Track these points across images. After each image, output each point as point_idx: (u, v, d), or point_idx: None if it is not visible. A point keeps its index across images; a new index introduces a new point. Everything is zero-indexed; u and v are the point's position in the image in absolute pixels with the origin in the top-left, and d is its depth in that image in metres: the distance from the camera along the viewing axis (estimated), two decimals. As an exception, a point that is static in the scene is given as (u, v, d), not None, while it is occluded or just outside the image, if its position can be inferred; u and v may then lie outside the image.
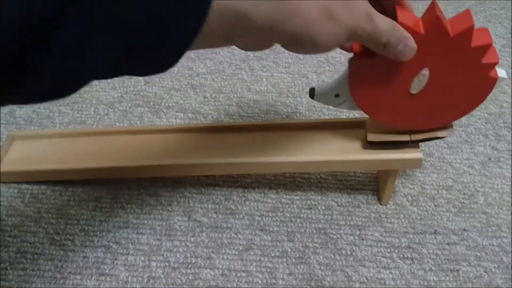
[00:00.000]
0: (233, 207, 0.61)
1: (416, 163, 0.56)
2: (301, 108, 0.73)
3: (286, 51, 0.82)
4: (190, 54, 0.82)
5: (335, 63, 0.80)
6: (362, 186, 0.63)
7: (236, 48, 0.39)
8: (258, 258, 0.56)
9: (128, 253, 0.56)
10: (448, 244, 0.57)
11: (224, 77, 0.78)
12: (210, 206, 0.61)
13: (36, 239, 0.58)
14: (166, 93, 0.76)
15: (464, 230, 0.58)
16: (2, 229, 0.58)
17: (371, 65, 0.48)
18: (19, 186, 0.63)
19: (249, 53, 0.80)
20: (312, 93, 0.53)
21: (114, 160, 0.61)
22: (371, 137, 0.55)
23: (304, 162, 0.57)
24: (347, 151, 0.57)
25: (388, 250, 0.57)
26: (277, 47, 0.38)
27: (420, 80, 0.50)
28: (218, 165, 0.58)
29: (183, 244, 0.57)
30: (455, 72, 0.49)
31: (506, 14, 0.92)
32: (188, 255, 0.56)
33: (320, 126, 0.61)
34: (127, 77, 0.78)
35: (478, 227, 0.59)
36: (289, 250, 0.57)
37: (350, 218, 0.60)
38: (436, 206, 0.61)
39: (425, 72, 0.49)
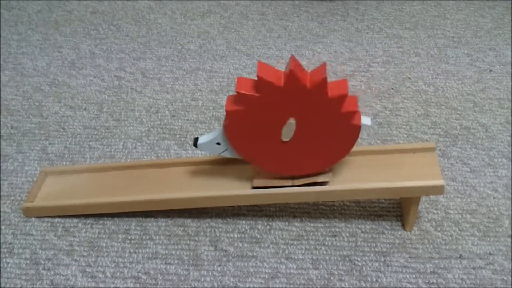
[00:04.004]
0: (258, 236, 0.62)
1: (439, 190, 0.57)
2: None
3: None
4: (214, 87, 0.85)
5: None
6: (386, 212, 0.64)
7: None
8: (284, 287, 0.57)
9: (157, 284, 0.58)
10: (473, 268, 0.57)
11: (247, 108, 0.80)
12: (235, 235, 0.62)
13: (69, 271, 0.59)
14: (192, 126, 0.78)
15: (490, 254, 0.58)
16: (36, 262, 0.60)
17: (242, 116, 0.53)
18: (52, 220, 0.65)
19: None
20: (195, 142, 0.57)
21: (142, 193, 0.63)
22: (256, 182, 0.59)
23: (332, 191, 0.59)
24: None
25: (414, 276, 0.57)
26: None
27: (289, 129, 0.54)
28: (243, 196, 0.60)
29: (210, 273, 0.58)
30: (319, 121, 0.53)
31: (526, 36, 0.92)
32: (215, 284, 0.57)
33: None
34: (154, 111, 0.80)
35: (504, 251, 0.58)
36: (315, 278, 0.57)
37: (374, 245, 0.60)
38: (460, 230, 0.61)
39: (292, 121, 0.53)
